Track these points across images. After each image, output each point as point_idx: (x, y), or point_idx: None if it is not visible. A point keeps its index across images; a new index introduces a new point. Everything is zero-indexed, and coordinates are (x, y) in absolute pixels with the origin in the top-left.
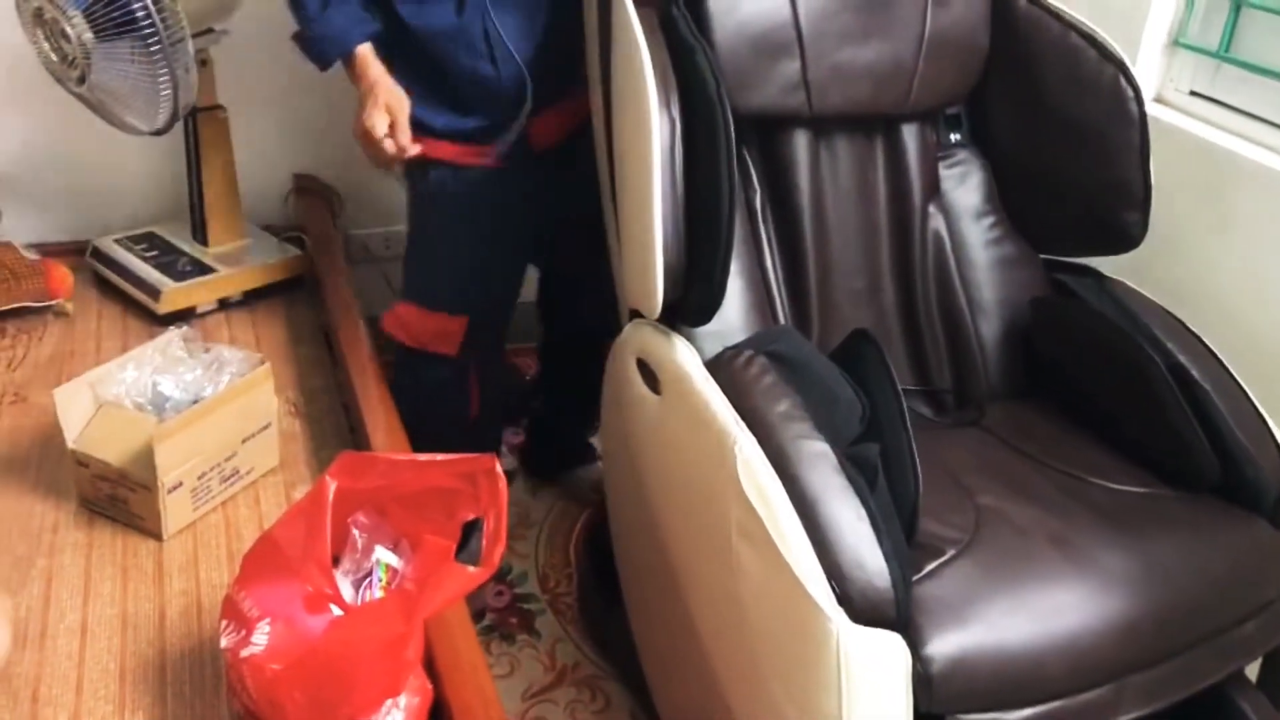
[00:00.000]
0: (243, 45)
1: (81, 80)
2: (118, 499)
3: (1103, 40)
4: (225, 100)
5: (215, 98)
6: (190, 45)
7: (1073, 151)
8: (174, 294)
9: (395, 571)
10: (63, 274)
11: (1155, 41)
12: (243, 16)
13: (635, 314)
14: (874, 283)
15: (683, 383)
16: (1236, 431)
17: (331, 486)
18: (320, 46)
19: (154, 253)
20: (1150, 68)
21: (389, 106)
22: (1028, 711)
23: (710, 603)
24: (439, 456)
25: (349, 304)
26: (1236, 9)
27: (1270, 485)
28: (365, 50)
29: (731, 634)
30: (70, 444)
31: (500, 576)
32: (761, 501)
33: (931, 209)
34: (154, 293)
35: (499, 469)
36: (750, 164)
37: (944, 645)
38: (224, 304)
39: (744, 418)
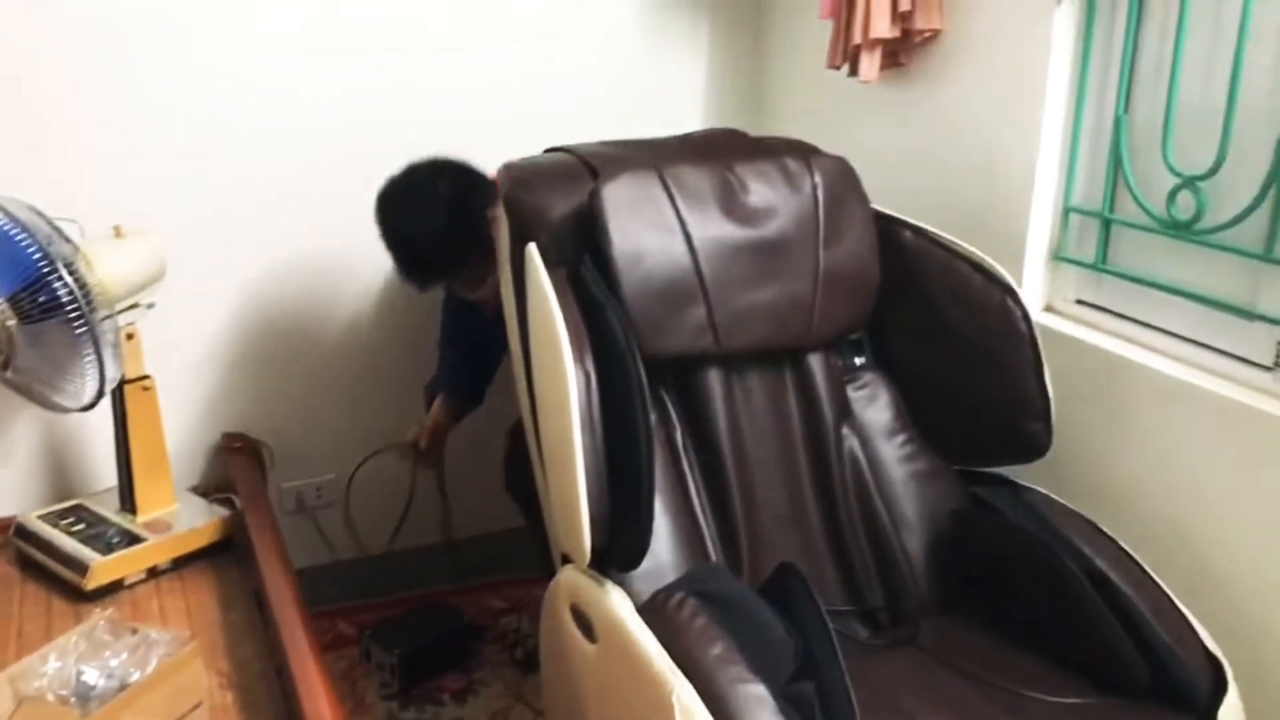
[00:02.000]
0: (168, 313)
1: (5, 365)
2: None
3: (987, 265)
4: (152, 367)
5: (142, 368)
6: (116, 321)
7: (971, 369)
8: (102, 568)
9: None
10: None
11: (1039, 256)
12: (168, 286)
13: (567, 559)
14: (798, 507)
15: (617, 631)
16: (1160, 633)
17: None
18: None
19: (81, 526)
20: (1036, 280)
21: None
22: None
23: None
24: None
25: (278, 565)
26: (1106, 225)
27: (1200, 685)
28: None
29: None
30: None
31: None
32: None
33: (845, 430)
34: (81, 568)
35: None
36: (668, 401)
37: None
38: (153, 572)
39: (679, 663)
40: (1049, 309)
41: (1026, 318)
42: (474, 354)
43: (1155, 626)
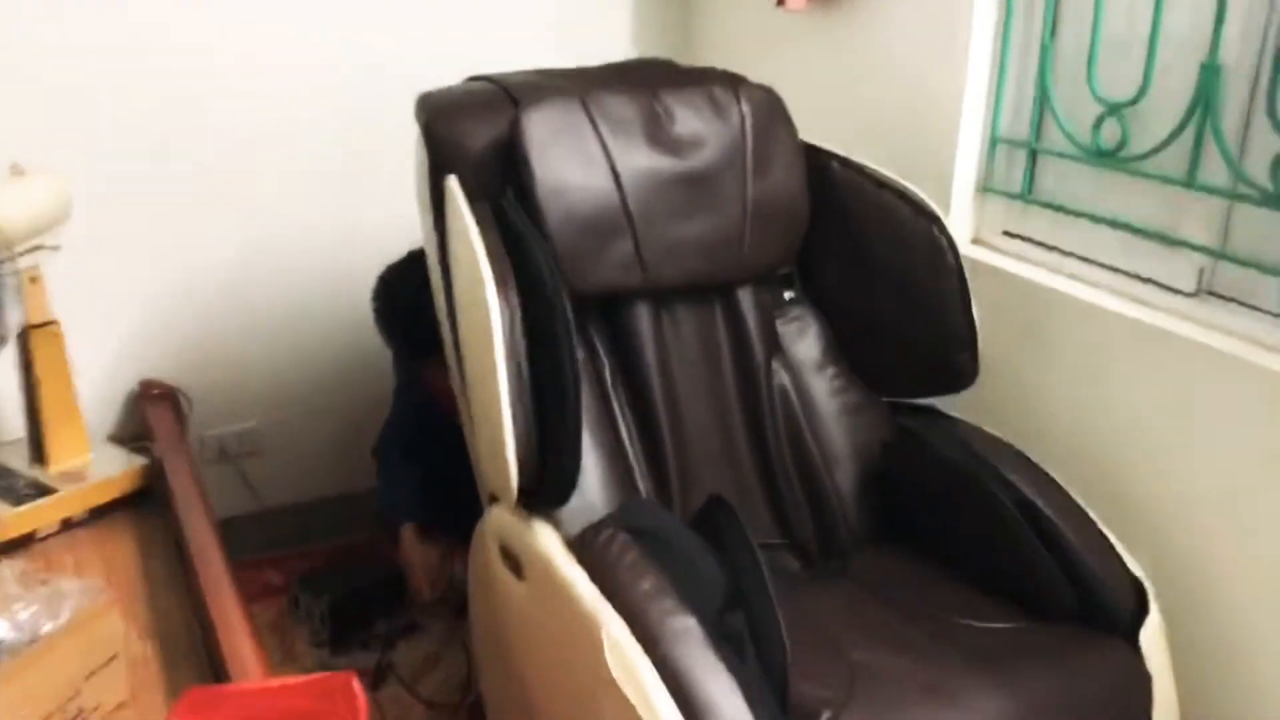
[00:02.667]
0: (78, 256)
1: None
2: None
3: (915, 195)
4: (62, 313)
5: (48, 313)
6: (18, 263)
7: (899, 302)
8: (9, 521)
9: None
10: None
11: (966, 188)
12: (75, 229)
13: (494, 498)
14: (728, 442)
15: (546, 568)
16: (1086, 557)
17: None
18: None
19: None
20: (964, 212)
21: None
22: None
23: None
24: (292, 680)
25: (200, 512)
26: (1032, 155)
27: (1124, 607)
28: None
29: None
30: None
31: None
32: (632, 685)
33: (775, 365)
34: None
35: (356, 686)
36: (595, 337)
37: None
38: (68, 524)
39: (609, 598)
40: (976, 241)
41: (954, 249)
42: (439, 467)
43: (1081, 552)
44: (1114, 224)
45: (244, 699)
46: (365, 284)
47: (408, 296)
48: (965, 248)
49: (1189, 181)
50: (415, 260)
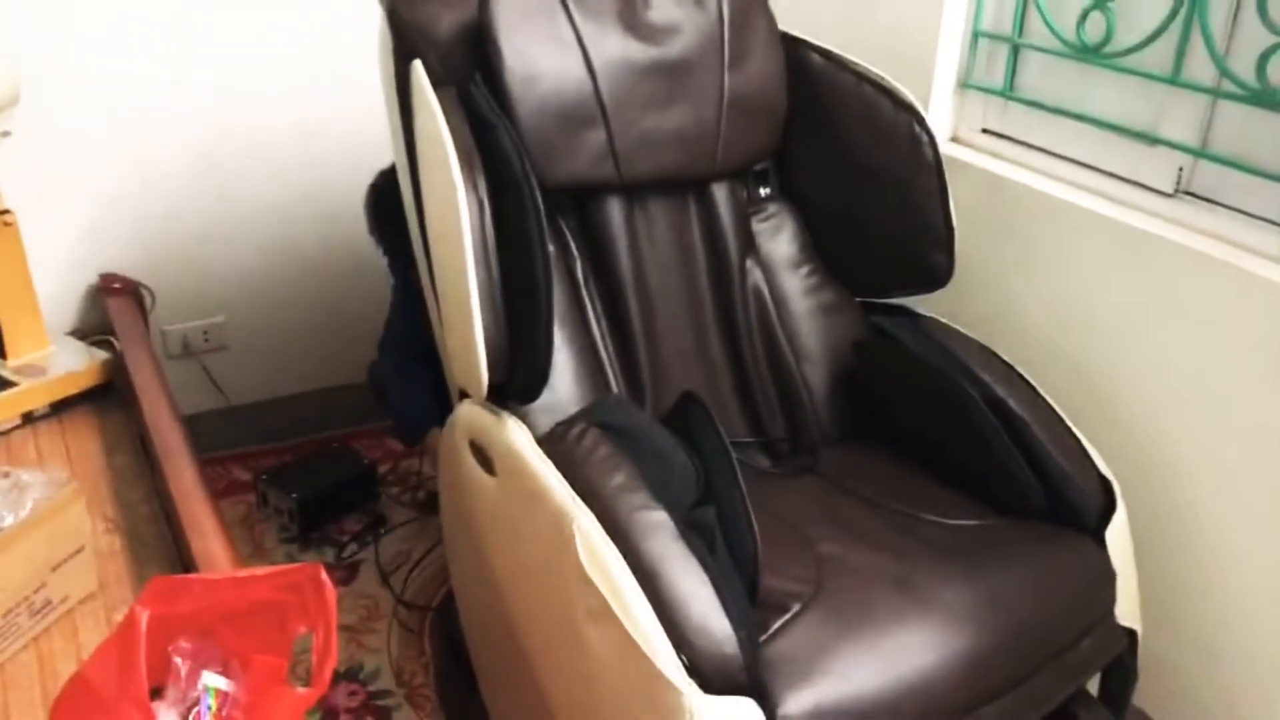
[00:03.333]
0: (30, 145)
1: None
2: None
3: (896, 89)
4: (16, 203)
5: (2, 203)
6: None
7: (876, 198)
8: None
9: (225, 695)
10: None
11: (946, 84)
12: (26, 115)
13: (464, 394)
14: (701, 340)
15: (516, 463)
16: (1056, 456)
17: (143, 616)
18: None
19: None
20: (943, 109)
21: None
22: None
23: (563, 683)
24: (260, 571)
25: (164, 406)
26: (1015, 51)
27: (1091, 505)
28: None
29: (586, 713)
30: None
31: (352, 675)
32: (603, 578)
33: (749, 263)
34: None
35: (324, 578)
36: (568, 233)
37: (798, 703)
38: (29, 418)
39: (580, 493)
40: (955, 139)
41: (933, 144)
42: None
43: (1050, 450)
44: (1095, 122)
45: (210, 588)
46: (334, 176)
47: (398, 204)
48: (944, 145)
49: (1173, 78)
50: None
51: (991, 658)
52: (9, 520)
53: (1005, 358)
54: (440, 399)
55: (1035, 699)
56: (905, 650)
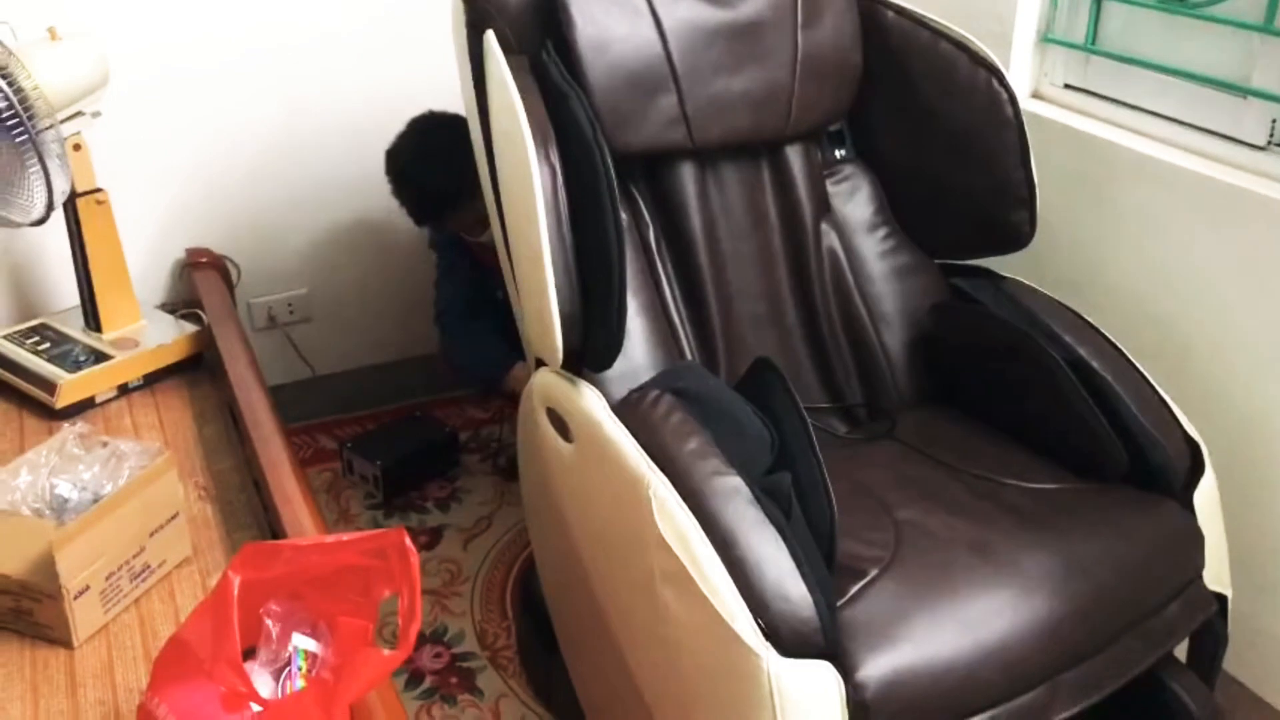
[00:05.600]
0: (118, 124)
1: None
2: (21, 611)
3: (973, 46)
4: (106, 182)
5: (94, 181)
6: (60, 131)
7: (955, 157)
8: (71, 386)
9: (314, 656)
10: None
11: (1026, 39)
12: (115, 96)
13: (541, 362)
14: (775, 306)
15: (592, 430)
16: (1141, 418)
17: (235, 580)
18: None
19: (46, 345)
20: (1023, 64)
21: None
22: None
23: (641, 647)
24: (345, 536)
25: (251, 377)
26: (1097, 3)
27: (1177, 468)
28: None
29: (665, 677)
30: None
31: (436, 637)
32: (680, 544)
33: (824, 226)
34: (49, 387)
35: (408, 544)
36: (640, 200)
37: (876, 668)
38: (124, 390)
39: (655, 459)
40: (1036, 95)
41: (1013, 101)
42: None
43: (1136, 412)
44: (1182, 74)
45: (297, 554)
46: None
47: (405, 165)
48: (1024, 102)
49: (1267, 24)
50: (412, 128)
51: (1072, 623)
52: (108, 488)
53: (1088, 319)
54: (508, 338)
55: (1119, 665)
56: (984, 616)
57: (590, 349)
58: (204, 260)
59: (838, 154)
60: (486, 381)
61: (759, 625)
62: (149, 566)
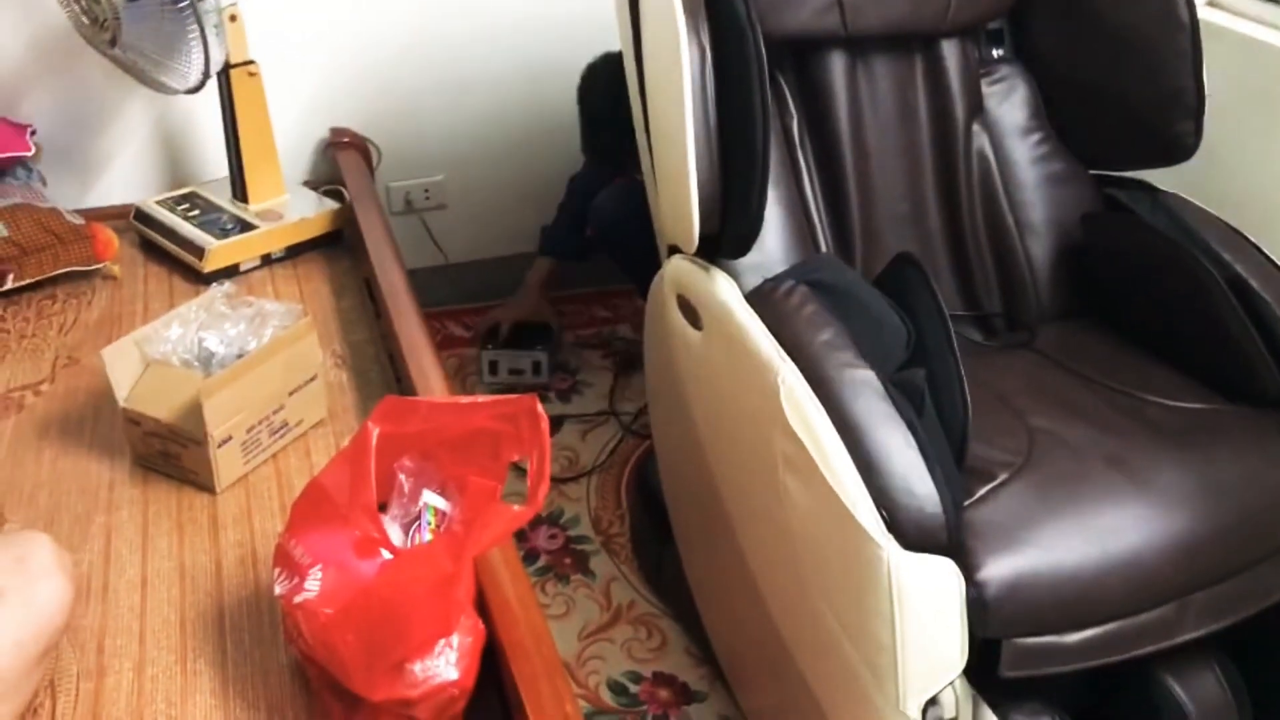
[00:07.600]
0: (272, 4)
1: (113, 42)
2: (170, 455)
3: None
4: (259, 56)
5: (247, 53)
6: (219, 0)
7: (1121, 61)
8: (218, 252)
9: (443, 514)
10: (108, 237)
11: None
12: None
13: (674, 250)
14: (918, 207)
15: (724, 317)
16: None
17: (374, 432)
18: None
19: (196, 212)
20: None
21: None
22: (1087, 633)
23: (760, 536)
24: (480, 399)
25: (390, 255)
26: None
27: None
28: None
29: (783, 567)
30: (121, 403)
31: (553, 520)
32: (807, 432)
33: (975, 128)
34: (198, 252)
35: (539, 409)
36: (785, 89)
37: (998, 569)
38: (267, 260)
39: (786, 349)
40: (1212, 3)
41: (1189, 2)
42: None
43: None
44: None
45: (433, 412)
46: (554, 44)
47: (594, 104)
48: (1200, 9)
49: None
50: (607, 62)
51: (1208, 544)
52: (253, 345)
53: (1251, 238)
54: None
55: (1253, 591)
56: (1114, 529)
57: (727, 235)
58: (347, 140)
59: (995, 53)
60: (559, 252)
61: (883, 518)
62: (287, 424)
